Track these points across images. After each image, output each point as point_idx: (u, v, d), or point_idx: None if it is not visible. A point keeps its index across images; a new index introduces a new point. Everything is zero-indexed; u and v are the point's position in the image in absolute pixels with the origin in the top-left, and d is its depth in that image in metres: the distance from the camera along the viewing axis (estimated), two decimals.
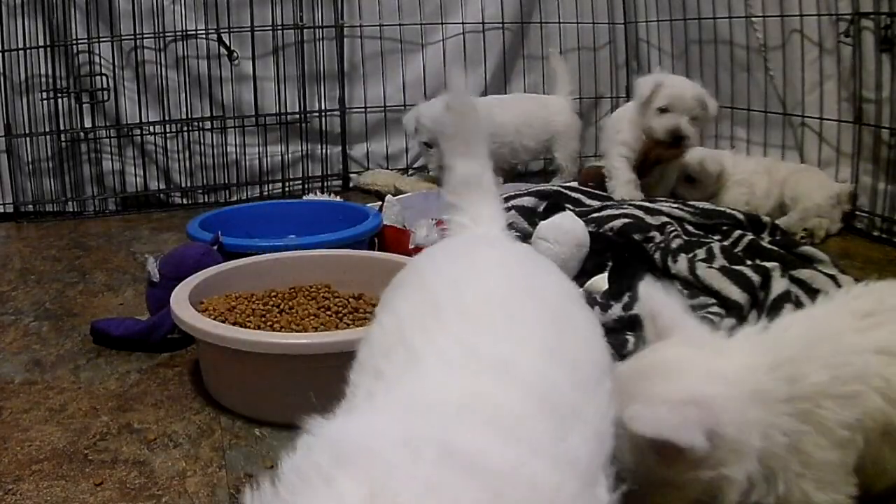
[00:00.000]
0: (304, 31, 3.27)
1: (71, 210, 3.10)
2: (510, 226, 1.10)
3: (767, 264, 1.81)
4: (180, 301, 1.51)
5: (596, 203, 2.42)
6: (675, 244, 1.98)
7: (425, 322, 0.75)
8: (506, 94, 3.48)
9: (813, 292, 1.70)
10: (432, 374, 0.67)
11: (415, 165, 3.46)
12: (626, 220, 2.14)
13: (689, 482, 0.92)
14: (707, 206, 2.30)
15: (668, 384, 0.93)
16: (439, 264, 0.92)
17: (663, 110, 2.51)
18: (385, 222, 2.20)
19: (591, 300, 1.72)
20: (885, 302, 1.03)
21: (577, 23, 3.55)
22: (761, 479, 0.93)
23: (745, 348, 1.00)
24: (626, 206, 2.27)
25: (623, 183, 2.60)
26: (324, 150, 3.42)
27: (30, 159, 3.04)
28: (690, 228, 2.18)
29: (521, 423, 0.61)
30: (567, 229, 1.96)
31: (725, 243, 2.04)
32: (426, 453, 0.54)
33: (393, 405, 0.64)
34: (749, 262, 1.87)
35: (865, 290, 1.09)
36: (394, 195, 2.65)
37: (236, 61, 3.23)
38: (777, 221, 2.31)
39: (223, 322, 1.50)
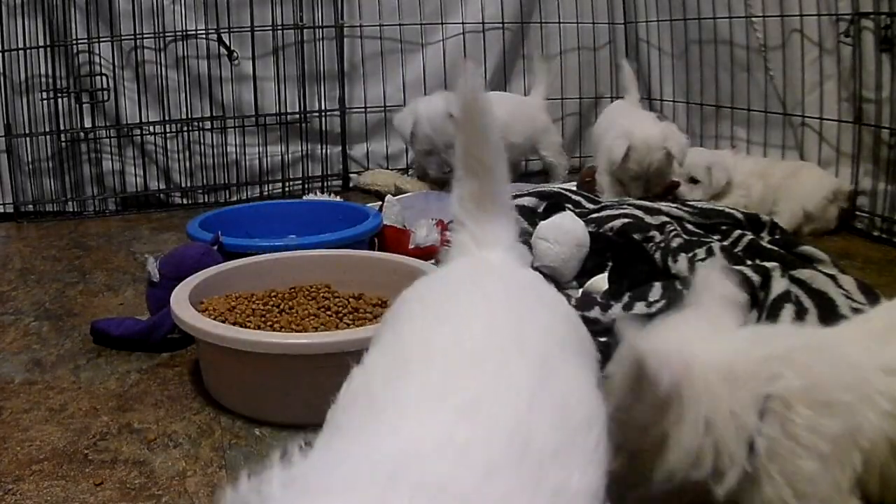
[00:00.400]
0: (304, 31, 3.27)
1: (71, 210, 3.11)
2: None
3: (767, 264, 1.81)
4: (180, 301, 1.51)
5: (595, 205, 2.42)
6: (675, 244, 1.98)
7: (391, 374, 0.71)
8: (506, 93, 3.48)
9: (813, 292, 1.70)
10: (394, 420, 0.63)
11: (415, 165, 3.46)
12: (626, 220, 2.14)
13: (650, 427, 0.95)
14: (706, 205, 2.31)
15: (665, 335, 0.99)
16: (417, 311, 0.85)
17: (636, 176, 2.60)
18: (385, 222, 2.20)
19: (591, 300, 1.72)
20: None
21: (577, 23, 3.55)
22: (709, 463, 0.94)
23: (748, 337, 1.02)
24: (625, 207, 2.26)
25: (614, 195, 2.65)
26: (324, 150, 3.42)
27: (30, 159, 3.04)
28: (690, 228, 2.17)
29: (492, 462, 0.58)
30: (567, 229, 1.96)
31: (725, 243, 2.04)
32: (399, 488, 0.52)
33: (352, 450, 0.60)
34: (749, 262, 1.87)
35: (882, 310, 1.10)
36: (394, 195, 2.65)
37: (236, 61, 3.23)
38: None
39: (223, 322, 1.50)
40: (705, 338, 1.00)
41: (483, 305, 0.82)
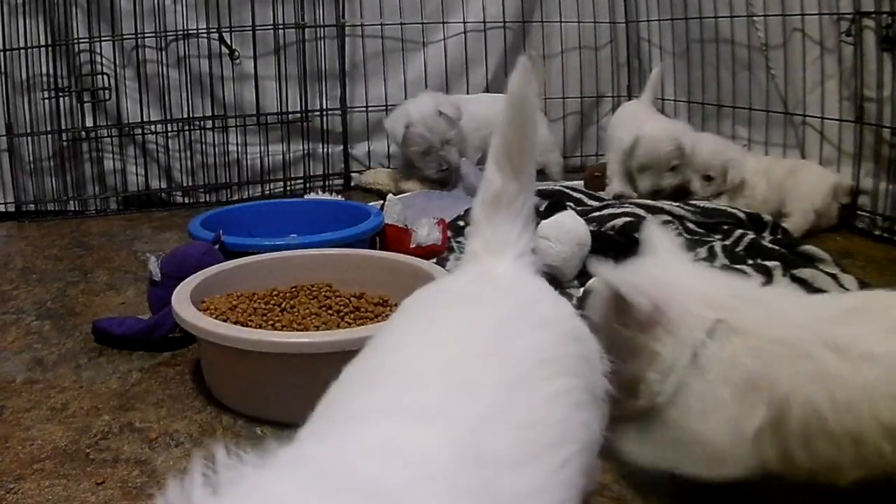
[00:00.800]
0: (306, 30, 3.27)
1: (72, 209, 3.11)
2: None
3: (769, 263, 1.81)
4: (182, 300, 1.51)
5: (597, 202, 2.42)
6: None
7: (361, 384, 0.72)
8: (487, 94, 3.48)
9: (814, 291, 1.70)
10: (347, 428, 0.64)
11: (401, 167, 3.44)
12: (628, 220, 2.14)
13: (637, 346, 1.05)
14: (708, 205, 2.31)
15: (640, 269, 1.10)
16: (402, 324, 0.84)
17: (643, 167, 2.63)
18: (386, 221, 2.20)
19: None
20: (869, 304, 1.05)
21: (579, 22, 3.56)
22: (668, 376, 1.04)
23: (719, 277, 1.14)
24: (627, 206, 2.27)
25: (618, 184, 2.68)
26: (325, 149, 3.42)
27: (31, 158, 3.04)
28: (692, 227, 2.18)
29: (435, 468, 0.58)
30: (569, 228, 1.96)
31: (727, 242, 2.04)
32: (330, 489, 0.53)
33: (294, 456, 0.60)
34: (750, 262, 1.87)
35: (859, 293, 1.15)
36: (395, 194, 2.65)
37: (237, 60, 3.23)
38: (784, 224, 2.31)
39: (224, 321, 1.50)
40: (678, 271, 1.10)
41: (466, 322, 0.81)
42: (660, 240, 1.16)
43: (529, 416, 0.69)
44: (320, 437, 0.65)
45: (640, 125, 2.65)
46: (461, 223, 2.26)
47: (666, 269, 1.10)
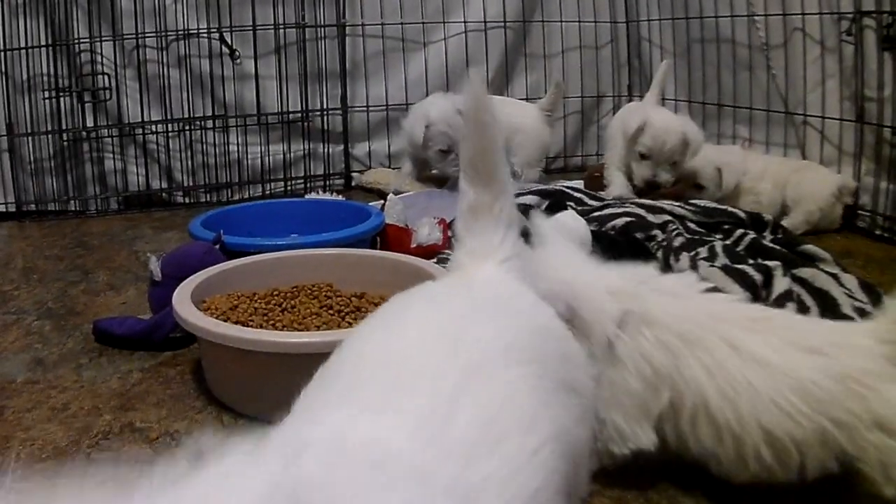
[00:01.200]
0: (306, 29, 3.27)
1: (73, 209, 3.11)
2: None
3: (769, 263, 1.81)
4: (182, 300, 1.51)
5: (597, 202, 2.42)
6: (677, 243, 1.98)
7: (325, 380, 0.76)
8: (507, 93, 3.49)
9: (815, 291, 1.70)
10: (302, 418, 0.68)
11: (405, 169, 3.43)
12: (628, 219, 2.14)
13: None
14: (709, 204, 2.30)
15: (544, 269, 1.12)
16: (367, 325, 0.87)
17: (643, 155, 2.58)
18: (387, 221, 2.20)
19: None
20: (781, 319, 1.11)
21: (579, 21, 3.56)
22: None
23: (617, 267, 1.18)
24: (627, 206, 2.27)
25: (617, 186, 2.65)
26: (326, 149, 3.42)
27: (32, 158, 3.04)
28: (692, 227, 2.17)
29: (387, 452, 0.59)
30: (569, 228, 1.96)
31: (727, 242, 2.04)
32: (282, 485, 0.54)
33: (253, 448, 0.61)
34: (751, 261, 1.87)
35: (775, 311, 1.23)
36: (395, 194, 2.65)
37: (238, 60, 3.23)
38: (784, 222, 2.31)
39: (225, 321, 1.50)
40: (578, 265, 1.16)
41: (430, 317, 0.82)
42: (549, 231, 1.19)
43: (493, 405, 0.70)
44: (280, 427, 0.67)
45: (648, 113, 2.61)
46: None
47: (566, 265, 1.15)
